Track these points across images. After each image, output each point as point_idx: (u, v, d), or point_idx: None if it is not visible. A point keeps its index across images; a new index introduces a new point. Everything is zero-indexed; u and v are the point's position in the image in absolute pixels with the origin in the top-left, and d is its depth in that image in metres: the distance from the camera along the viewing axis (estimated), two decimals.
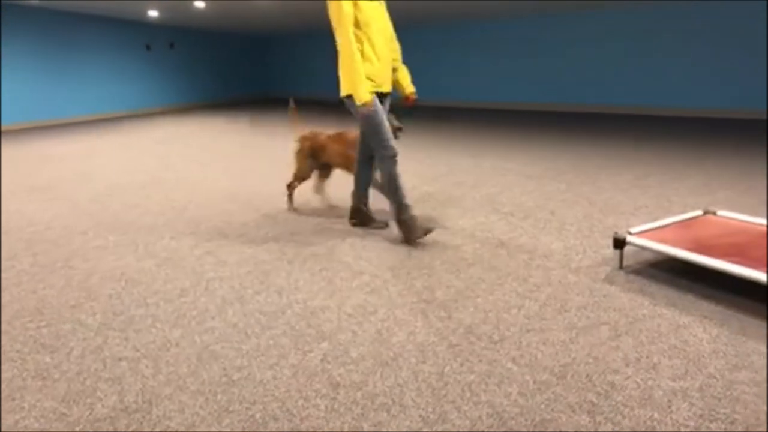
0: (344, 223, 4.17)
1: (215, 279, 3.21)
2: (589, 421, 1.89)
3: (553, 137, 7.93)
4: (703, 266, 2.78)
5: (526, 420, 1.91)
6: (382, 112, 3.58)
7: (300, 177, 4.56)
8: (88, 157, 7.56)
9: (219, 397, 2.10)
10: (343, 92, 3.56)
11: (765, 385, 2.05)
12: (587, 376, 2.15)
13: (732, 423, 1.85)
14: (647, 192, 4.77)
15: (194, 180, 5.88)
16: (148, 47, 13.31)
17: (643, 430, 1.84)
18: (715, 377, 2.10)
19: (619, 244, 3.13)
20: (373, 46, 3.52)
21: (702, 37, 9.80)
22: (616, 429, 1.85)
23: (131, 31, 12.85)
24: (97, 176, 6.23)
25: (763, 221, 3.29)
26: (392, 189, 3.62)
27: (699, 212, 3.50)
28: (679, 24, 10.02)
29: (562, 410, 1.96)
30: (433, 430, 1.88)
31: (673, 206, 4.28)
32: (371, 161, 3.90)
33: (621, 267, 3.16)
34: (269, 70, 17.25)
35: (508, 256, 3.40)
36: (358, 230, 4.01)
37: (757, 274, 2.55)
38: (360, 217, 4.06)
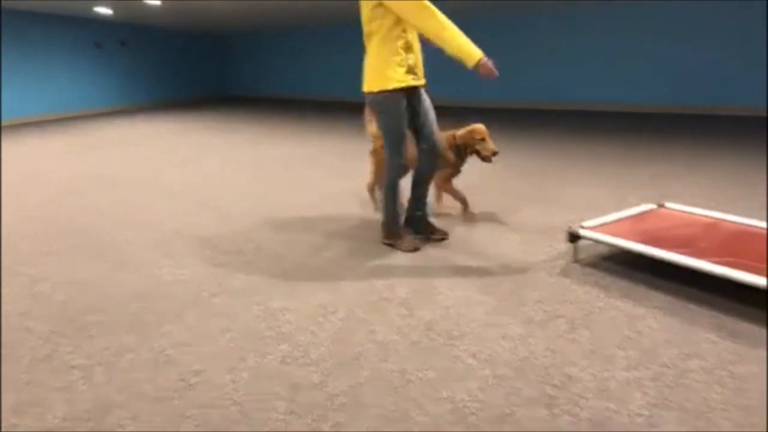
0: (303, 221, 4.14)
1: (171, 282, 3.14)
2: (547, 414, 1.92)
3: (509, 135, 8.03)
4: (654, 258, 2.85)
5: (486, 415, 1.93)
6: (405, 115, 3.34)
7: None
8: (36, 159, 7.32)
9: (176, 402, 2.06)
10: (371, 86, 3.27)
11: (714, 372, 2.11)
12: (545, 369, 2.18)
13: (684, 411, 1.90)
14: (600, 186, 4.87)
15: (147, 181, 5.75)
16: (98, 45, 12.95)
17: (599, 420, 1.88)
18: (667, 366, 2.16)
19: (573, 238, 3.18)
20: (413, 34, 3.28)
21: (650, 35, 10.05)
22: (573, 421, 1.88)
23: (80, 29, 12.47)
24: (45, 179, 6.04)
25: (711, 213, 3.40)
26: (391, 197, 3.50)
27: (652, 206, 3.59)
28: (624, 23, 10.26)
29: (520, 403, 1.98)
30: (394, 428, 1.88)
31: (625, 200, 4.38)
32: (428, 154, 3.52)
33: (576, 261, 3.22)
34: (228, 69, 17.02)
35: (467, 253, 3.43)
36: (319, 228, 3.98)
37: (705, 265, 2.63)
38: (418, 227, 3.70)
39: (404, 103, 3.29)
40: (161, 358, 2.36)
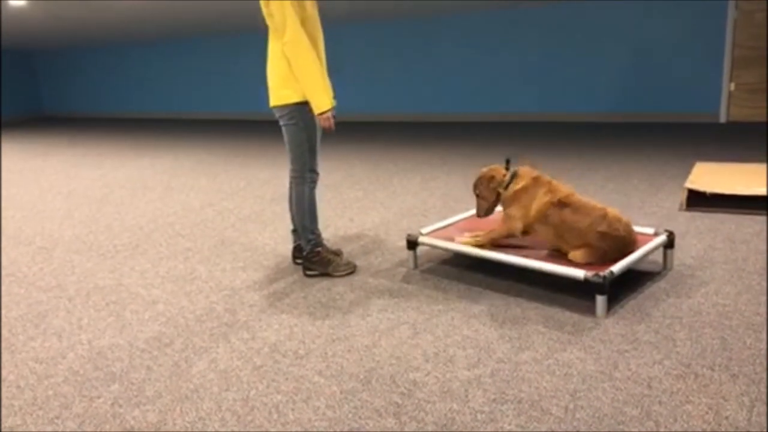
0: (133, 249, 3.86)
1: None
2: (395, 423, 1.93)
3: (349, 147, 8.16)
4: (484, 259, 3.01)
5: None
6: (319, 127, 3.16)
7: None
8: None
9: None
10: (284, 99, 3.06)
11: (544, 362, 2.26)
12: (391, 377, 2.20)
13: (520, 402, 2.01)
14: (435, 193, 5.09)
15: None
16: None
17: (444, 423, 1.92)
18: (503, 361, 2.27)
19: (412, 245, 3.27)
20: (316, 46, 3.07)
21: (499, 44, 10.75)
22: (420, 426, 1.91)
23: None
24: None
25: None
26: (313, 216, 3.26)
27: None
28: (463, 33, 10.91)
29: (369, 416, 1.97)
30: None
31: (458, 205, 4.60)
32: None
33: (416, 267, 3.31)
34: (40, 86, 15.60)
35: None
36: (150, 255, 3.73)
37: (528, 261, 2.83)
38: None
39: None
40: None
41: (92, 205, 5.22)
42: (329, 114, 3.02)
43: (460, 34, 10.81)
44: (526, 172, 3.02)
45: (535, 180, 2.96)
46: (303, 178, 3.20)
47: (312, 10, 3.07)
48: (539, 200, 2.90)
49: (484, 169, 3.13)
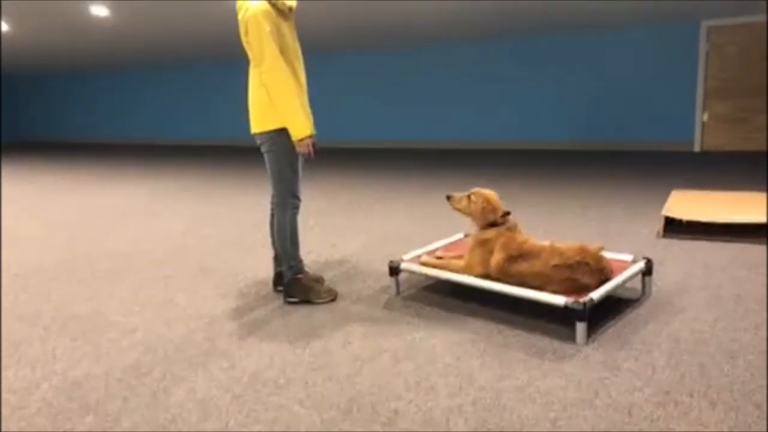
0: (112, 276, 3.81)
1: None
2: None
3: (331, 173, 8.18)
4: (466, 285, 3.02)
5: None
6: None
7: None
8: None
9: None
10: (264, 126, 3.07)
11: (525, 390, 2.26)
12: (372, 406, 2.18)
13: (501, 430, 2.00)
14: (417, 219, 5.11)
15: None
16: None
17: None
18: (485, 389, 2.27)
19: (394, 271, 3.28)
20: (296, 76, 3.08)
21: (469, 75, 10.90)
22: None
23: None
24: None
25: None
26: (295, 242, 3.24)
27: (460, 235, 3.81)
28: (444, 62, 11.06)
29: None
30: None
31: (440, 231, 4.62)
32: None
33: (398, 293, 3.31)
34: (18, 112, 15.50)
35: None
36: (129, 282, 3.68)
37: (507, 288, 2.85)
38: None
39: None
40: None
41: (70, 232, 5.16)
42: (308, 140, 3.04)
43: (441, 65, 10.98)
44: (512, 226, 3.06)
45: (499, 234, 3.01)
46: (285, 204, 3.20)
47: (291, 39, 3.11)
48: (495, 257, 2.97)
49: (495, 195, 3.15)
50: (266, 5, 2.95)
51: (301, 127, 3.01)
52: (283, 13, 3.05)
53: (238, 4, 3.06)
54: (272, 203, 3.25)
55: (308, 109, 3.19)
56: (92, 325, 3.03)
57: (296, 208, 3.24)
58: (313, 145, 3.10)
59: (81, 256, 4.34)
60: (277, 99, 2.99)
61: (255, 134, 3.16)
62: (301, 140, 3.03)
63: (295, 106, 3.00)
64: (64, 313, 3.22)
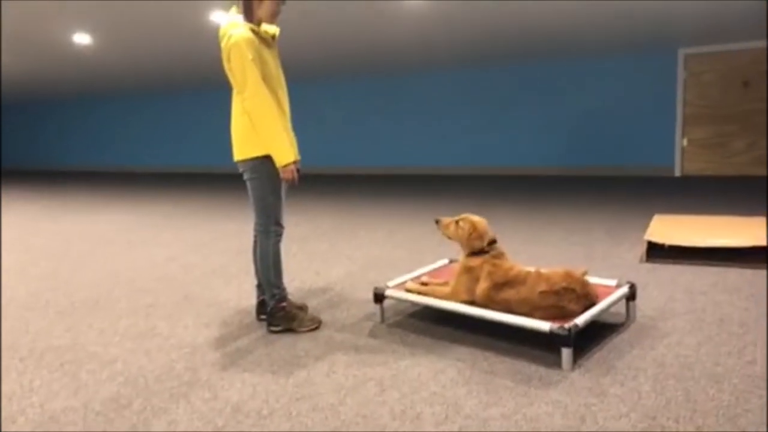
0: (92, 306, 3.74)
1: None
2: None
3: (315, 199, 8.17)
4: (452, 312, 3.00)
5: None
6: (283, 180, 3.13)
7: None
8: None
9: None
10: (247, 153, 3.04)
11: (512, 417, 2.24)
12: None
13: None
14: (402, 245, 5.10)
15: None
16: None
17: None
18: (471, 417, 2.24)
19: (379, 298, 3.25)
20: (279, 102, 3.08)
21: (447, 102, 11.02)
22: None
23: None
24: None
25: None
26: (278, 270, 3.21)
27: (445, 261, 3.81)
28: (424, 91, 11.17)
29: None
30: None
31: (424, 257, 4.62)
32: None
33: (383, 320, 3.29)
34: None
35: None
36: (109, 312, 3.62)
37: (493, 314, 2.84)
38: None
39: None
40: None
41: (50, 261, 5.08)
42: (292, 167, 3.04)
43: (426, 92, 11.10)
44: (498, 254, 3.06)
45: (484, 262, 3.02)
46: (268, 232, 3.18)
47: (274, 66, 3.12)
48: (481, 285, 2.98)
49: (484, 222, 3.14)
50: (249, 33, 2.97)
51: (285, 153, 3.01)
52: (265, 40, 3.07)
53: (221, 32, 3.08)
54: (255, 230, 3.23)
55: (292, 136, 3.20)
56: (70, 357, 2.97)
57: (279, 235, 3.23)
58: (297, 170, 3.10)
59: (60, 286, 4.27)
60: (261, 125, 2.99)
61: (238, 162, 3.15)
62: (285, 166, 3.02)
63: (278, 132, 3.00)
64: (42, 344, 3.15)
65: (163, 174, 13.57)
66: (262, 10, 3.06)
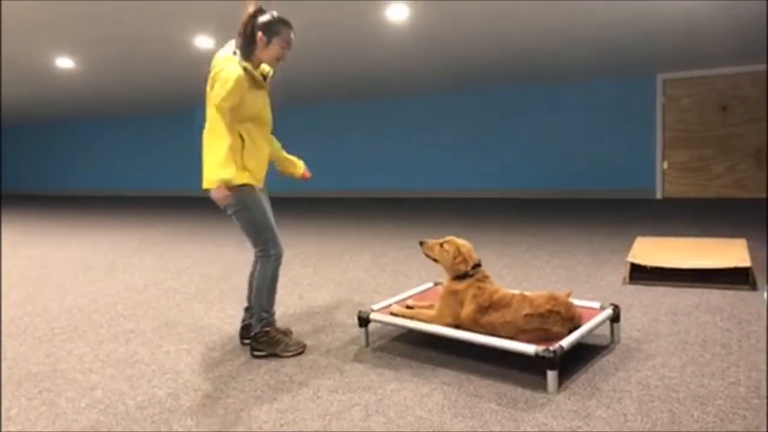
0: (71, 332, 3.67)
1: None
2: None
3: (299, 223, 8.15)
4: (437, 335, 2.99)
5: None
6: (266, 203, 3.16)
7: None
8: None
9: None
10: (214, 182, 2.93)
11: None
12: None
13: None
14: (386, 269, 5.09)
15: None
16: None
17: None
18: None
19: (364, 322, 3.23)
20: (254, 142, 3.06)
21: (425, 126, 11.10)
22: None
23: None
24: None
25: None
26: (272, 295, 3.18)
27: (430, 284, 3.81)
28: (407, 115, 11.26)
29: None
30: None
31: (409, 280, 4.61)
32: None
33: (368, 344, 3.26)
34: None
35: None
36: (89, 338, 3.56)
37: (478, 337, 2.83)
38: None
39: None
40: None
41: (29, 286, 5.00)
42: (220, 186, 2.92)
43: (407, 116, 11.19)
44: (483, 277, 3.06)
45: (469, 286, 3.02)
46: (269, 256, 3.16)
47: (262, 104, 3.10)
48: (466, 309, 2.97)
49: (469, 245, 3.14)
50: (240, 72, 2.93)
51: (216, 173, 2.89)
52: (256, 81, 3.05)
53: (214, 61, 3.05)
54: (256, 257, 3.21)
55: (262, 169, 3.17)
56: (50, 384, 2.91)
57: (279, 257, 3.20)
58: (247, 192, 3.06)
59: (38, 312, 4.19)
60: (207, 150, 2.94)
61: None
62: (214, 188, 2.92)
63: (220, 156, 2.89)
64: (20, 371, 3.08)
65: (143, 197, 13.48)
66: (267, 53, 3.04)
